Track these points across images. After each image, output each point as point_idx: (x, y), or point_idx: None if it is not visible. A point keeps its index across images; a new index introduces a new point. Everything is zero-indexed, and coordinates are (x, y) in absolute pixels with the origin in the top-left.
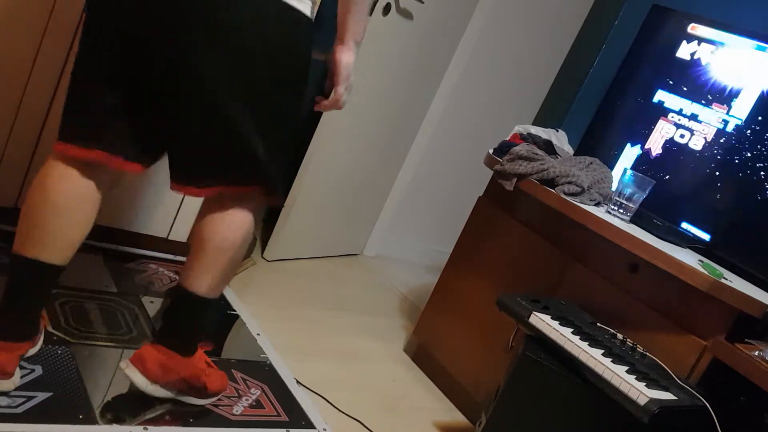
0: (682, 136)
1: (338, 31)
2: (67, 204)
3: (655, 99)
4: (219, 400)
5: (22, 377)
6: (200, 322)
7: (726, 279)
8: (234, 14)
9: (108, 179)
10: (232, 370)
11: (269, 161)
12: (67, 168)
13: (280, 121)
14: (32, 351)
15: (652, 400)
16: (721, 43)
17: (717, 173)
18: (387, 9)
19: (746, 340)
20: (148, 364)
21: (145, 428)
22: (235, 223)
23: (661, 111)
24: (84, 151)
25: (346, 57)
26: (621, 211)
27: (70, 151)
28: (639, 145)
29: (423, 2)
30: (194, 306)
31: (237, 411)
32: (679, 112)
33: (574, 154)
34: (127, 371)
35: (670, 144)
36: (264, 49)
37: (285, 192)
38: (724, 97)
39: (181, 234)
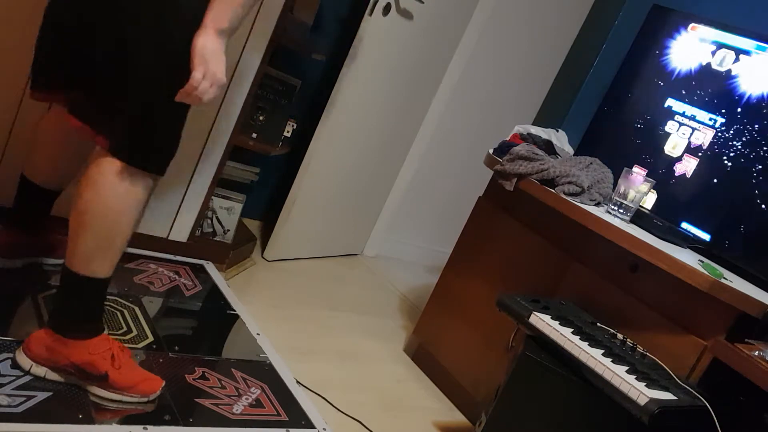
0: (682, 135)
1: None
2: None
3: (655, 99)
4: (219, 399)
5: (22, 376)
6: (82, 303)
7: (726, 279)
8: None
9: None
10: (232, 370)
11: (129, 121)
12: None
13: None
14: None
15: (652, 400)
16: (722, 44)
17: (717, 173)
18: (387, 9)
19: (746, 340)
20: (32, 345)
21: (145, 428)
22: (113, 193)
23: (662, 111)
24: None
25: (201, 41)
26: (621, 211)
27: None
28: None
29: (423, 2)
30: (69, 283)
31: (237, 410)
32: (680, 113)
33: (574, 154)
34: (16, 353)
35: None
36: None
37: (152, 166)
38: (724, 97)
39: (181, 234)
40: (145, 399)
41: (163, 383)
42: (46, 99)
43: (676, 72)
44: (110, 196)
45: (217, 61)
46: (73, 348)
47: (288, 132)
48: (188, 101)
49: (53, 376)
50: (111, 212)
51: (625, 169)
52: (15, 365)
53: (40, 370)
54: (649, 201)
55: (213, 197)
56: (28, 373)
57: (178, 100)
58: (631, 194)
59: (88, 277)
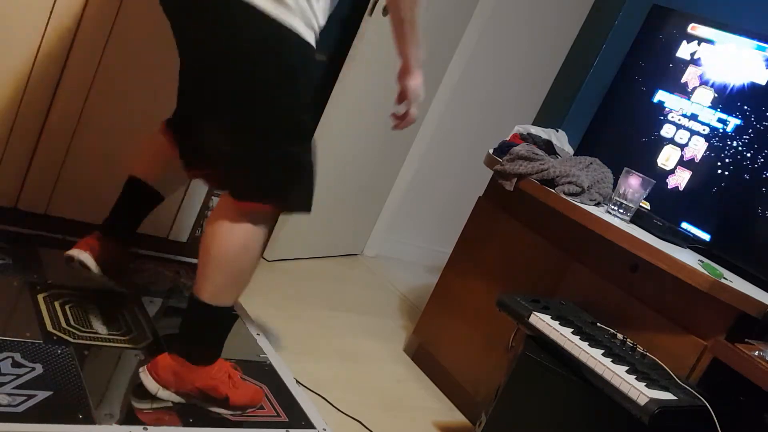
0: (681, 136)
1: (402, 60)
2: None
3: (655, 99)
4: None
5: (22, 376)
6: (209, 331)
7: (726, 279)
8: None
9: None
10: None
11: (247, 163)
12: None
13: (252, 123)
14: None
15: (652, 400)
16: (721, 43)
17: (717, 173)
18: (387, 9)
19: (746, 340)
20: (160, 370)
21: (145, 428)
22: (233, 232)
23: (661, 111)
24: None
25: (414, 83)
26: (621, 211)
27: None
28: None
29: None
30: (199, 312)
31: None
32: (679, 112)
33: (574, 154)
34: (142, 376)
35: (670, 143)
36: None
37: (293, 201)
38: (724, 97)
39: (181, 234)
40: (257, 407)
41: (264, 388)
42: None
43: (676, 71)
44: (245, 240)
45: (422, 92)
46: (198, 374)
47: None
48: (401, 128)
49: (176, 398)
50: (244, 253)
51: (625, 169)
52: (142, 388)
53: (165, 394)
54: (650, 201)
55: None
56: (155, 396)
57: (397, 129)
58: (632, 194)
59: (217, 307)
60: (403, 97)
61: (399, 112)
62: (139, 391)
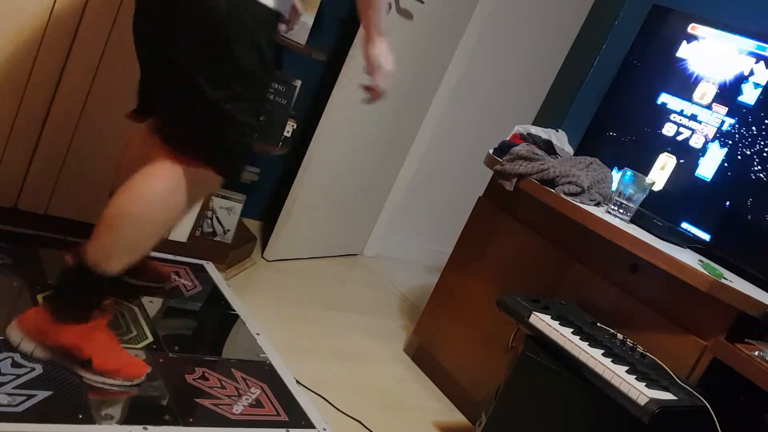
0: (681, 135)
1: (364, 30)
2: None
3: (655, 99)
4: (218, 399)
5: (22, 376)
6: (85, 292)
7: (726, 279)
8: None
9: None
10: (232, 370)
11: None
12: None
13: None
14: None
15: (652, 400)
16: (721, 43)
17: (716, 171)
18: (387, 9)
19: (746, 340)
20: (26, 322)
21: (144, 428)
22: (136, 189)
23: (662, 111)
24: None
25: (376, 50)
26: (621, 211)
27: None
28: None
29: (423, 2)
30: (79, 273)
31: (237, 410)
32: (680, 113)
33: (574, 154)
34: (8, 327)
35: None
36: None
37: (223, 168)
38: (724, 97)
39: (181, 234)
40: (129, 383)
41: (149, 369)
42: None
43: (676, 71)
44: (147, 201)
45: (387, 60)
46: (64, 331)
47: (288, 132)
48: (373, 102)
49: (40, 353)
50: (144, 215)
51: (625, 168)
52: (4, 337)
53: (28, 346)
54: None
55: (213, 197)
56: (17, 348)
57: (367, 103)
58: (632, 194)
59: (103, 273)
60: (369, 70)
61: (371, 85)
62: (139, 391)
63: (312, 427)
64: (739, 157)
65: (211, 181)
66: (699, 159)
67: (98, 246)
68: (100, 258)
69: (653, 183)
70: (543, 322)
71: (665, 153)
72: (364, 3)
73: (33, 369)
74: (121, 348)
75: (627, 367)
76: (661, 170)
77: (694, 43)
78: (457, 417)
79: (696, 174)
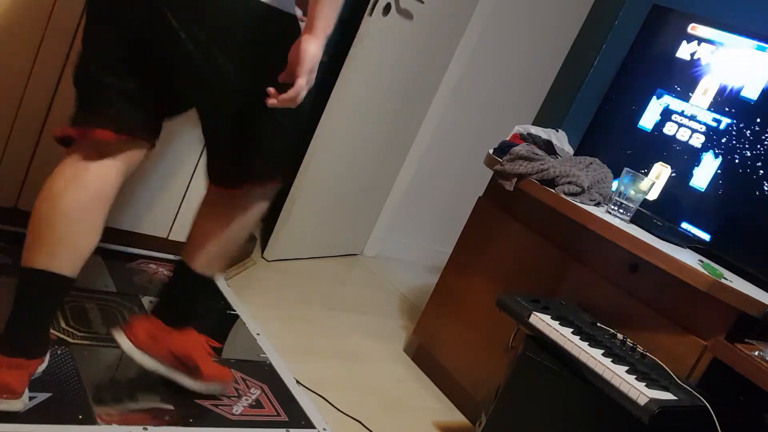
0: (682, 135)
1: (308, 19)
2: (78, 211)
3: (655, 99)
4: (219, 399)
5: None
6: (191, 299)
7: (726, 279)
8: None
9: (115, 178)
10: (232, 370)
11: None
12: (76, 172)
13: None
14: (41, 368)
15: (652, 400)
16: (721, 43)
17: (717, 173)
18: (387, 9)
19: (746, 340)
20: (135, 330)
21: (144, 428)
22: (245, 220)
23: (662, 111)
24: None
25: (313, 48)
26: (621, 211)
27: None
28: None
29: (423, 2)
30: (188, 280)
31: (237, 411)
32: (680, 113)
33: (574, 154)
34: (116, 335)
35: (670, 143)
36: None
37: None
38: (724, 97)
39: (181, 234)
40: (222, 388)
41: (233, 374)
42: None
43: (676, 71)
44: (253, 224)
45: (315, 68)
46: (175, 336)
47: None
48: (282, 105)
49: (147, 361)
50: (243, 231)
51: (625, 169)
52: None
53: (137, 354)
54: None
55: None
56: (126, 354)
57: (271, 104)
58: (632, 194)
59: (206, 277)
60: (293, 63)
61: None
62: (139, 391)
63: (312, 427)
64: (739, 157)
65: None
66: (701, 156)
67: (204, 255)
68: (205, 265)
69: (653, 183)
70: (543, 322)
71: (659, 162)
72: None
73: None
74: (212, 357)
75: (627, 367)
76: (657, 179)
77: (694, 43)
78: (457, 417)
79: (695, 173)
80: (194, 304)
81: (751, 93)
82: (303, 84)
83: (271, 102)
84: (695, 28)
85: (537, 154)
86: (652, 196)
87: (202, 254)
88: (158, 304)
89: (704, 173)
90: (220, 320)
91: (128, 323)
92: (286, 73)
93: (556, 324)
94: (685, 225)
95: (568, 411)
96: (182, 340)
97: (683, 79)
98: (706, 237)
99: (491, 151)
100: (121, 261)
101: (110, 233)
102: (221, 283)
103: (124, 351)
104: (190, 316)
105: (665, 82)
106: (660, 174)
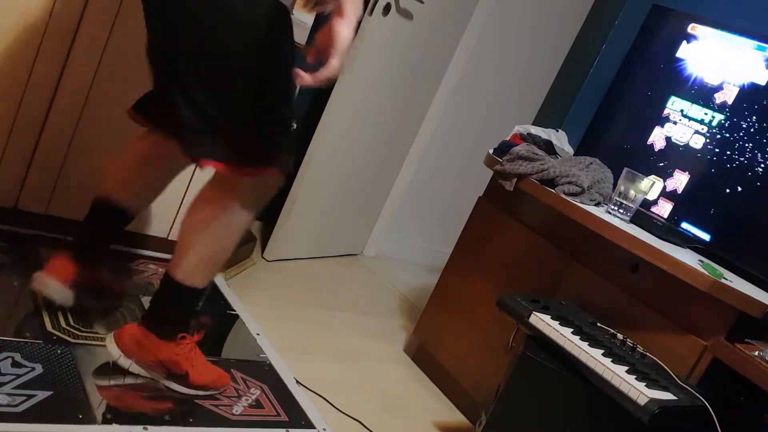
0: (682, 135)
1: (337, 4)
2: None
3: (655, 99)
4: (218, 400)
5: (22, 376)
6: (177, 308)
7: (726, 279)
8: None
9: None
10: (232, 370)
11: (233, 130)
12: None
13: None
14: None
15: (652, 400)
16: (721, 43)
17: (717, 172)
18: (387, 9)
19: (746, 340)
20: (124, 338)
21: (144, 428)
22: (207, 209)
23: (662, 111)
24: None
25: (346, 30)
26: (621, 211)
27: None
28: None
29: (423, 2)
30: (170, 289)
31: (237, 411)
32: (680, 112)
33: (574, 154)
34: (106, 341)
35: (670, 144)
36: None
37: (274, 163)
38: (725, 96)
39: None
40: (216, 391)
41: (230, 378)
42: (145, 125)
43: (676, 71)
44: (219, 218)
45: (348, 49)
46: (162, 347)
47: None
48: (315, 85)
49: (136, 369)
50: (220, 232)
51: (626, 169)
52: (106, 353)
53: (125, 362)
54: (649, 201)
55: None
56: (115, 362)
57: (303, 84)
58: (632, 194)
59: (190, 287)
60: (326, 45)
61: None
62: (139, 391)
63: (312, 427)
64: (740, 156)
65: (275, 180)
66: (701, 156)
67: (182, 263)
68: (187, 275)
69: (653, 183)
70: (543, 322)
71: (653, 176)
72: None
73: (33, 369)
74: (204, 359)
75: (627, 367)
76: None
77: (694, 43)
78: (457, 417)
79: (696, 173)
80: (180, 314)
81: (751, 93)
82: (337, 65)
83: (306, 80)
84: (695, 28)
85: (537, 154)
86: (652, 196)
87: (182, 262)
88: (146, 313)
89: (704, 171)
90: (219, 320)
91: (120, 330)
92: (313, 55)
93: (556, 324)
94: (685, 225)
95: (568, 411)
96: (169, 348)
97: (683, 78)
98: (706, 237)
99: (491, 151)
100: (121, 261)
101: None
102: (221, 283)
103: (111, 357)
104: (177, 326)
105: (665, 82)
106: (653, 185)
